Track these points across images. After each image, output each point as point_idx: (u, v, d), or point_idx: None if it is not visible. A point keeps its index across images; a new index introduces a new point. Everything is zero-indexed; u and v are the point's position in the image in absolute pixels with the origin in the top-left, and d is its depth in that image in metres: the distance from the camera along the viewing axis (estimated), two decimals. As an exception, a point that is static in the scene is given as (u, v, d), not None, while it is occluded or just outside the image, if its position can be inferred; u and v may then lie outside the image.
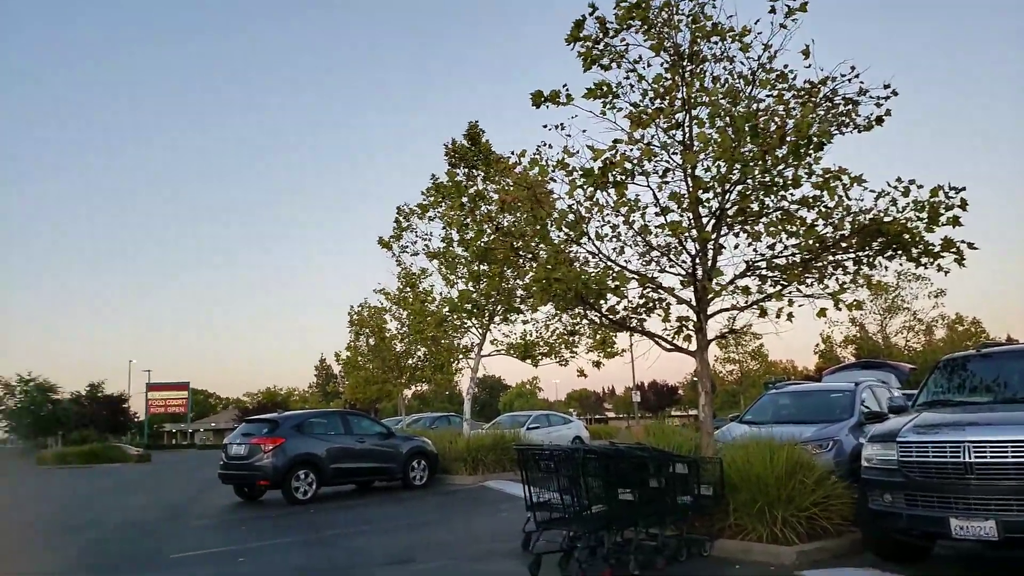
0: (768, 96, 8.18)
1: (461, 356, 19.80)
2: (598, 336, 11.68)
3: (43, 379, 56.55)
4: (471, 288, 15.25)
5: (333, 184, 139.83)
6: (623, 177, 8.37)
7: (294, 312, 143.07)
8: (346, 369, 29.00)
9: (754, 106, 8.08)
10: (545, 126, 9.07)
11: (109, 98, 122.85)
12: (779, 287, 8.39)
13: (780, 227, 8.18)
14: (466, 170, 17.63)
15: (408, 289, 20.35)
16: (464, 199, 15.62)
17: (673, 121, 8.45)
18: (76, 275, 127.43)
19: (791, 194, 8.26)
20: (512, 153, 9.78)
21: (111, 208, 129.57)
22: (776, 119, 7.92)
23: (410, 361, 24.72)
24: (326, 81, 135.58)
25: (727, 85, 8.32)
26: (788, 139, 7.61)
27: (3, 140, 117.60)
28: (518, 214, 10.30)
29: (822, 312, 8.15)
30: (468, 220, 14.70)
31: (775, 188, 8.11)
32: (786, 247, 8.38)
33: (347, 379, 30.91)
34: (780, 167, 7.93)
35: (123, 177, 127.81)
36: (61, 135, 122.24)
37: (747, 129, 7.68)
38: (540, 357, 17.76)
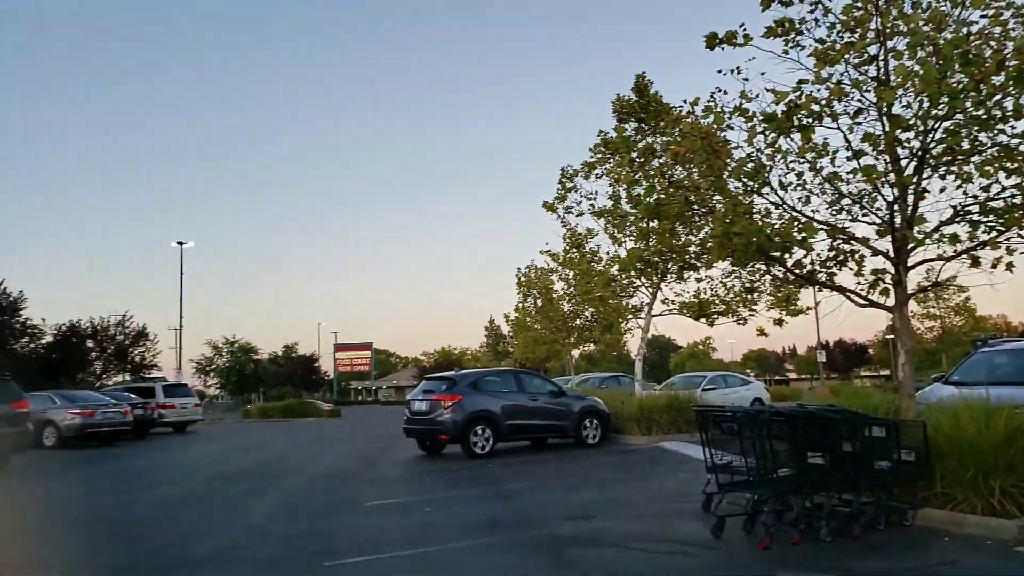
0: (982, 17, 7.24)
1: (630, 316, 19.56)
2: (780, 293, 11.06)
3: (245, 341, 62.05)
4: (641, 246, 14.90)
5: (502, 147, 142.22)
6: (809, 120, 7.79)
7: (466, 274, 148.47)
8: (515, 329, 29.65)
9: (964, 30, 7.19)
10: (720, 71, 8.63)
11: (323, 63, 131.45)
12: (995, 233, 7.51)
13: (997, 165, 7.28)
14: (635, 124, 17.19)
15: (574, 250, 20.29)
16: (634, 154, 15.24)
17: (866, 55, 7.73)
18: (268, 246, 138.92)
19: (1011, 127, 7.31)
20: (684, 102, 9.37)
21: (296, 187, 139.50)
22: (992, 43, 7.01)
23: (577, 321, 24.78)
24: (488, 45, 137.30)
25: (930, 10, 7.47)
26: (1008, 64, 6.71)
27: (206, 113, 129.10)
28: (691, 166, 9.88)
29: (1052, 259, 7.22)
30: (638, 175, 14.33)
31: (991, 121, 7.20)
32: (1004, 188, 7.47)
33: (516, 339, 31.62)
34: (997, 97, 7.03)
35: (311, 151, 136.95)
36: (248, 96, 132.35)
37: (956, 57, 6.85)
38: (715, 316, 17.15)
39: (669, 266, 16.27)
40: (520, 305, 27.77)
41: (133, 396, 25.35)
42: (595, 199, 18.88)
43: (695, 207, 9.37)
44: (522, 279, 27.49)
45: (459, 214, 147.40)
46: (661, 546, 6.71)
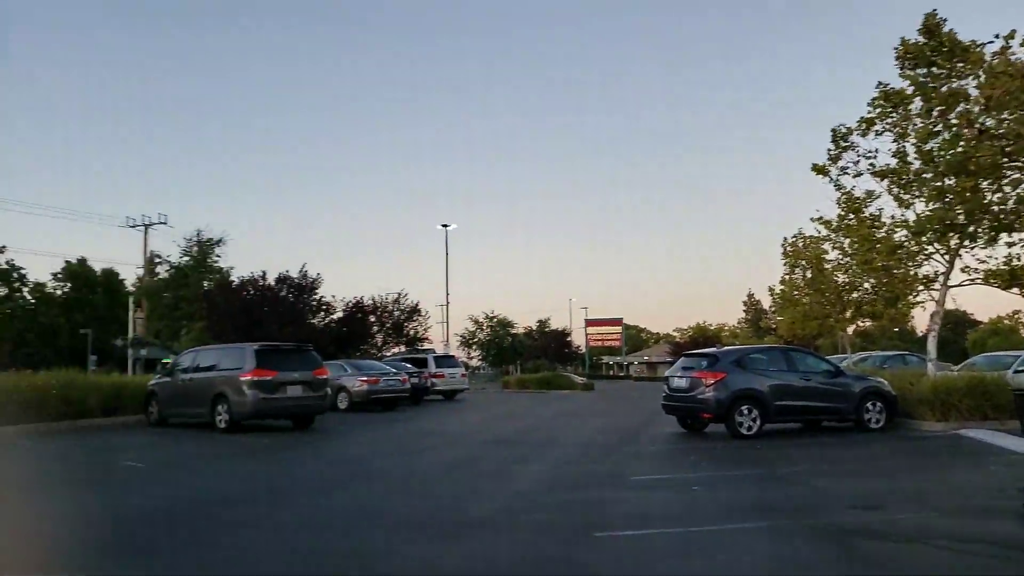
0: None
1: (920, 287, 17.32)
2: None
3: (503, 316, 65.50)
4: (941, 206, 12.89)
5: (760, 114, 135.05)
6: None
7: (722, 246, 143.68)
8: (779, 304, 27.85)
9: None
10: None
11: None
12: None
13: None
14: (924, 70, 15.04)
15: (851, 215, 18.34)
16: (931, 102, 13.26)
17: None
18: (523, 225, 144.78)
19: None
20: (996, 37, 7.95)
21: (546, 166, 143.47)
22: None
23: (855, 294, 22.60)
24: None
25: None
26: None
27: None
28: (1007, 111, 8.38)
29: None
30: (939, 126, 12.44)
31: None
32: None
33: (780, 314, 29.76)
34: None
35: (562, 132, 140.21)
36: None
37: None
38: (1034, 285, 14.54)
39: (974, 229, 13.93)
40: (786, 277, 25.99)
41: (409, 366, 27.58)
42: (875, 158, 16.90)
43: (1011, 158, 7.97)
44: (788, 249, 25.73)
45: (715, 183, 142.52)
46: (971, 546, 5.82)
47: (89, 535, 6.65)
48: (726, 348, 16.02)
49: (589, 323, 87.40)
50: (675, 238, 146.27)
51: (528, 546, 6.05)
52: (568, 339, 72.85)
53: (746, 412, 13.45)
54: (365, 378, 23.22)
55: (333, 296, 34.96)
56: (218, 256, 40.10)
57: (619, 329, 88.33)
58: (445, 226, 50.10)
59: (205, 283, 37.57)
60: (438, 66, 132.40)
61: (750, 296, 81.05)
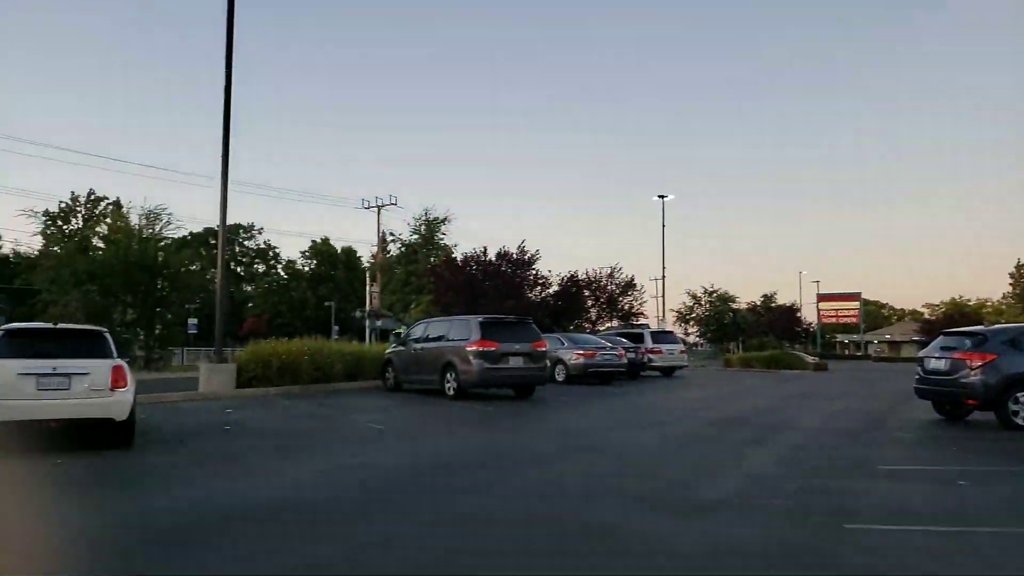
0: None
1: None
2: None
3: (723, 291, 63.08)
4: None
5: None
6: None
7: (982, 208, 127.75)
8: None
9: None
10: None
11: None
12: None
13: None
14: None
15: None
16: None
17: None
18: (746, 195, 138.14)
19: None
20: None
21: (763, 133, 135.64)
22: None
23: None
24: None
25: None
26: None
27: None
28: None
29: None
30: None
31: None
32: None
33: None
34: None
35: (787, 99, 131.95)
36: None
37: None
38: None
39: None
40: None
41: (625, 341, 27.29)
42: None
43: None
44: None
45: (972, 132, 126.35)
46: None
47: (339, 487, 7.14)
48: (998, 326, 14.05)
49: (821, 298, 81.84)
50: (922, 201, 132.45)
51: (770, 533, 5.53)
52: (797, 315, 68.49)
53: (1022, 400, 11.67)
54: (582, 351, 23.30)
55: (549, 271, 35.50)
56: (443, 234, 42.36)
57: (856, 304, 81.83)
58: (662, 197, 49.11)
59: (432, 259, 39.77)
60: (660, 40, 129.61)
61: (1019, 266, 70.86)
